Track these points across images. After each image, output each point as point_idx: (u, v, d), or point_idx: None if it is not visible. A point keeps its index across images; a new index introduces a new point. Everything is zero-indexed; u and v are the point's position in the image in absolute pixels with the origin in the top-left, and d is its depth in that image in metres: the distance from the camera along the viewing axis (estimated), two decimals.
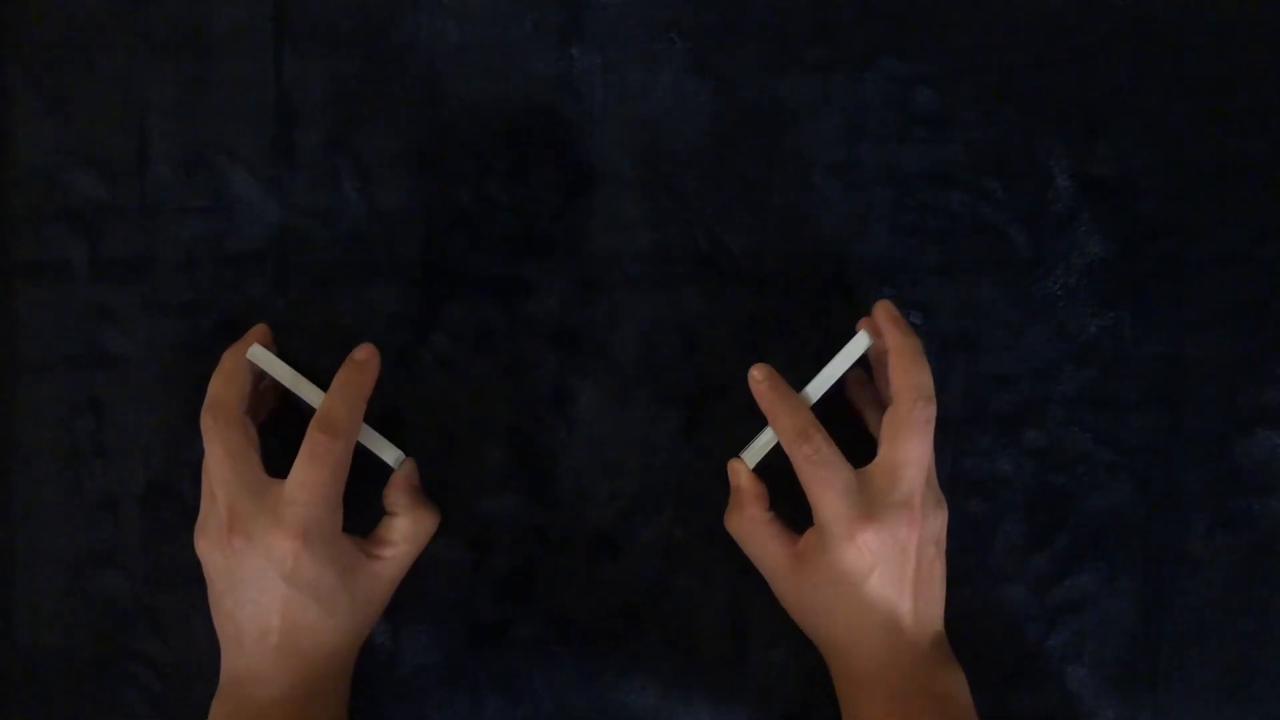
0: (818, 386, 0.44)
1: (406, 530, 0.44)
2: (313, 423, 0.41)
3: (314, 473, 0.41)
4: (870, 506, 0.41)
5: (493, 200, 0.49)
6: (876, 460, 0.42)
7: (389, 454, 0.45)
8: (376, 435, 0.45)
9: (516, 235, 0.49)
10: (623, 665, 0.50)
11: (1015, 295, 0.49)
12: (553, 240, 0.49)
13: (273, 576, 0.40)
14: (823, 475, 0.41)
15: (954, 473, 0.49)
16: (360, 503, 0.44)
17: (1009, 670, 0.50)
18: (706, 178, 0.49)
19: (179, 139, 0.48)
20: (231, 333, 0.49)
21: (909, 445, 0.42)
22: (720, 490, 0.47)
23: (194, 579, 0.48)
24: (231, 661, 0.43)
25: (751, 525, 0.45)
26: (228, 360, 0.44)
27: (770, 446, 0.45)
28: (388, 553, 0.44)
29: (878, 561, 0.41)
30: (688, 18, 0.49)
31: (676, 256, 0.49)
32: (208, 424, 0.42)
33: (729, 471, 0.46)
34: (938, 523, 0.43)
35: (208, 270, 0.49)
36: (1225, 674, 0.50)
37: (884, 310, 0.44)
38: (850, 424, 0.48)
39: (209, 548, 0.42)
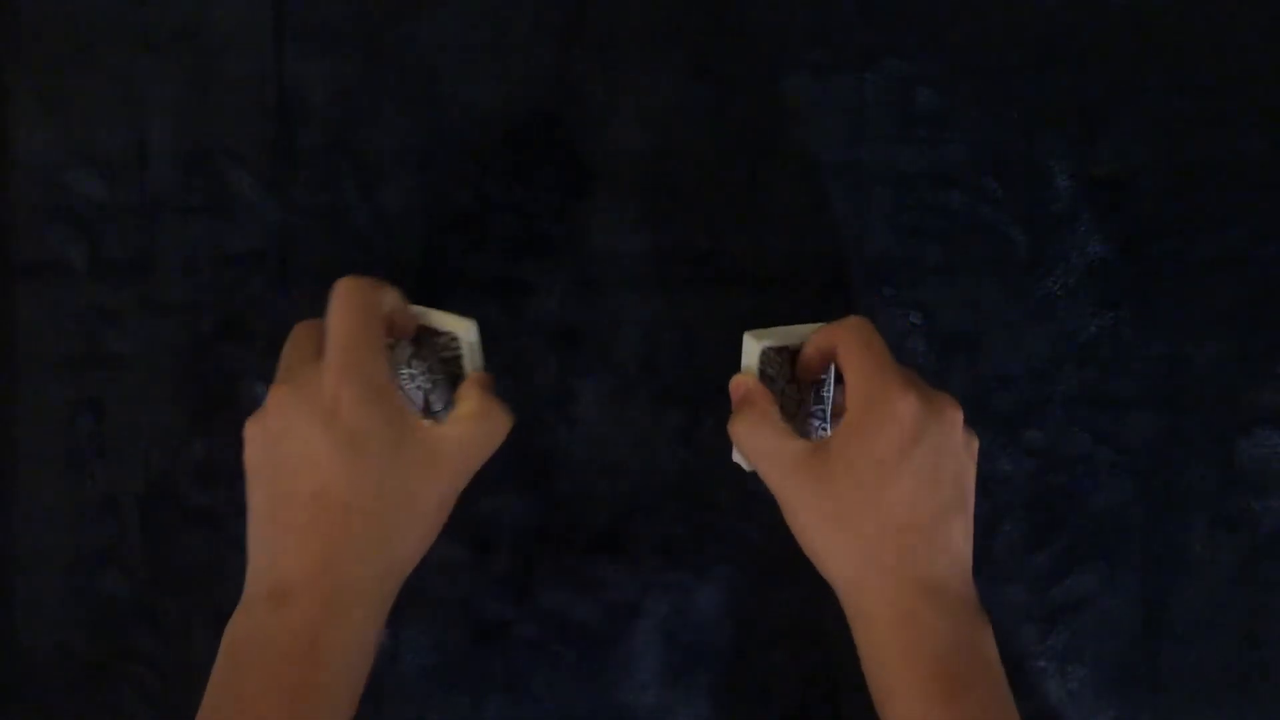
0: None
1: (472, 409, 0.40)
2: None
3: (341, 305, 0.38)
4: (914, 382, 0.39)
5: (493, 200, 0.49)
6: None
7: (460, 324, 0.42)
8: (446, 314, 0.42)
9: (516, 235, 0.49)
10: (623, 665, 0.50)
11: (1015, 295, 0.49)
12: (553, 240, 0.49)
13: (311, 422, 0.37)
14: (873, 350, 0.39)
15: None
16: None
17: (1009, 670, 0.50)
18: (706, 178, 0.49)
19: (179, 139, 0.48)
20: (231, 333, 0.49)
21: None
22: (719, 490, 0.47)
23: (194, 579, 0.48)
24: (253, 572, 0.39)
25: (764, 423, 0.40)
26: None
27: (786, 342, 0.42)
28: (446, 429, 0.40)
29: (923, 436, 0.38)
30: (688, 18, 0.49)
31: (676, 256, 0.49)
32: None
33: (731, 387, 0.43)
34: (977, 447, 0.41)
35: (208, 270, 0.49)
36: (1225, 674, 0.50)
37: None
38: None
39: (253, 422, 0.39)
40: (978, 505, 0.50)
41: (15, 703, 0.49)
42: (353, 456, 0.37)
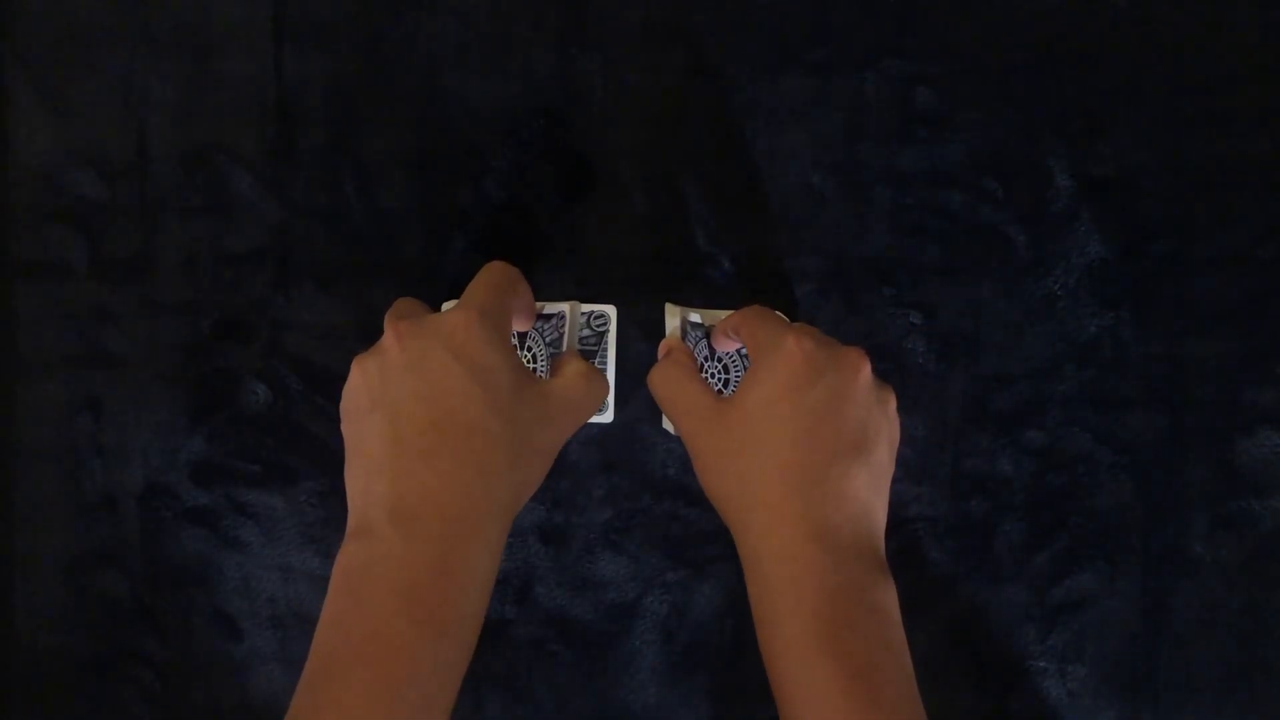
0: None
1: (579, 370, 0.42)
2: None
3: (485, 276, 0.40)
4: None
5: (493, 200, 0.49)
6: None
7: (568, 305, 0.46)
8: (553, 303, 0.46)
9: (516, 235, 0.49)
10: (623, 665, 0.50)
11: (1015, 295, 0.49)
12: (553, 240, 0.49)
13: (443, 352, 0.37)
14: (767, 315, 0.42)
15: (954, 473, 0.49)
16: None
17: (1010, 670, 0.50)
18: (706, 178, 0.49)
19: (179, 139, 0.48)
20: (231, 333, 0.49)
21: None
22: None
23: (194, 579, 0.48)
24: (365, 504, 0.38)
25: (679, 370, 0.43)
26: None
27: (702, 319, 0.46)
28: (557, 382, 0.41)
29: (818, 378, 0.38)
30: (688, 18, 0.49)
31: (676, 256, 0.49)
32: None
33: (659, 349, 0.45)
34: (893, 404, 0.41)
35: (208, 270, 0.49)
36: (1225, 674, 0.50)
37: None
38: None
39: (366, 357, 0.39)
40: (977, 506, 0.50)
41: (15, 703, 0.49)
42: (480, 386, 0.37)
